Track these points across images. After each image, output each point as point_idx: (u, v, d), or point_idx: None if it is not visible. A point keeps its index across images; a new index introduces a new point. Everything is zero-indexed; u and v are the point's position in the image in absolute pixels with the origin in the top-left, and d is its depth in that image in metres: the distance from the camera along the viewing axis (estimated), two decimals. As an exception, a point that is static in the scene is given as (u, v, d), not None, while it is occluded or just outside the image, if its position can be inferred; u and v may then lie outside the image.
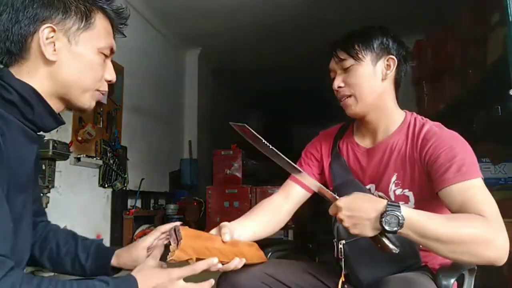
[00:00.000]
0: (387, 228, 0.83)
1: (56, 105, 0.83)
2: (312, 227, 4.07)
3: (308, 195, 1.23)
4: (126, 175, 3.52)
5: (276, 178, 2.42)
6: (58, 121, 0.85)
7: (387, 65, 1.10)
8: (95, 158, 3.07)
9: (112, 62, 0.90)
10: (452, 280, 0.95)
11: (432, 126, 1.07)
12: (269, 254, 1.26)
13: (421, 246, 0.98)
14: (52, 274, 1.96)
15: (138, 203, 3.73)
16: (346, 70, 1.10)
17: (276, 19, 4.11)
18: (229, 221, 1.08)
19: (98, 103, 3.01)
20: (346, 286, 1.06)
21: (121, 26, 0.91)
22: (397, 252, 0.86)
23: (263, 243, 1.17)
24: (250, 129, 0.87)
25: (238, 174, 4.40)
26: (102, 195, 3.24)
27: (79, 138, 2.89)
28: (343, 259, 1.05)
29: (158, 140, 4.29)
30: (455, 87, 2.97)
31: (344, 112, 1.15)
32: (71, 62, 0.81)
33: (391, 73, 1.11)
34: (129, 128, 3.67)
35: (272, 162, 0.94)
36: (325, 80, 1.21)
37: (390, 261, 0.98)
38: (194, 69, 5.22)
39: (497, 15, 2.14)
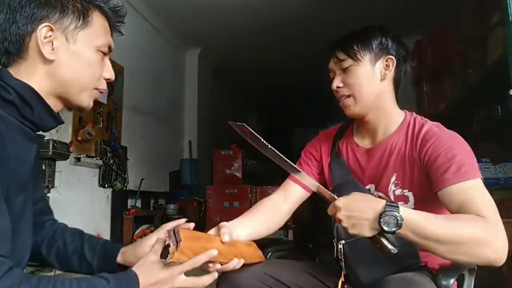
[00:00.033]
0: (385, 228, 0.83)
1: (55, 104, 0.84)
2: (312, 227, 4.06)
3: (307, 195, 1.23)
4: (126, 175, 3.51)
5: (276, 178, 2.42)
6: (57, 120, 0.85)
7: (386, 65, 1.10)
8: (95, 158, 3.06)
9: (112, 62, 0.90)
10: (452, 280, 0.95)
11: (431, 126, 1.07)
12: (269, 254, 1.26)
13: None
14: (52, 273, 1.96)
15: (138, 203, 3.72)
16: (345, 70, 1.10)
17: (276, 19, 4.10)
18: (229, 221, 1.08)
19: (98, 103, 3.02)
20: (346, 286, 1.06)
21: (118, 24, 0.91)
22: (395, 252, 0.86)
23: (263, 243, 1.17)
24: (249, 128, 0.87)
25: (238, 174, 4.39)
26: (102, 195, 3.24)
27: (79, 138, 2.88)
28: (343, 259, 1.05)
29: (158, 140, 4.28)
30: (455, 87, 2.97)
31: (343, 112, 1.15)
32: (69, 61, 0.81)
33: (390, 73, 1.11)
34: (129, 128, 3.66)
35: (272, 162, 0.94)
36: (325, 80, 1.21)
37: (389, 261, 0.98)
38: (194, 69, 5.20)
39: (497, 15, 2.14)
